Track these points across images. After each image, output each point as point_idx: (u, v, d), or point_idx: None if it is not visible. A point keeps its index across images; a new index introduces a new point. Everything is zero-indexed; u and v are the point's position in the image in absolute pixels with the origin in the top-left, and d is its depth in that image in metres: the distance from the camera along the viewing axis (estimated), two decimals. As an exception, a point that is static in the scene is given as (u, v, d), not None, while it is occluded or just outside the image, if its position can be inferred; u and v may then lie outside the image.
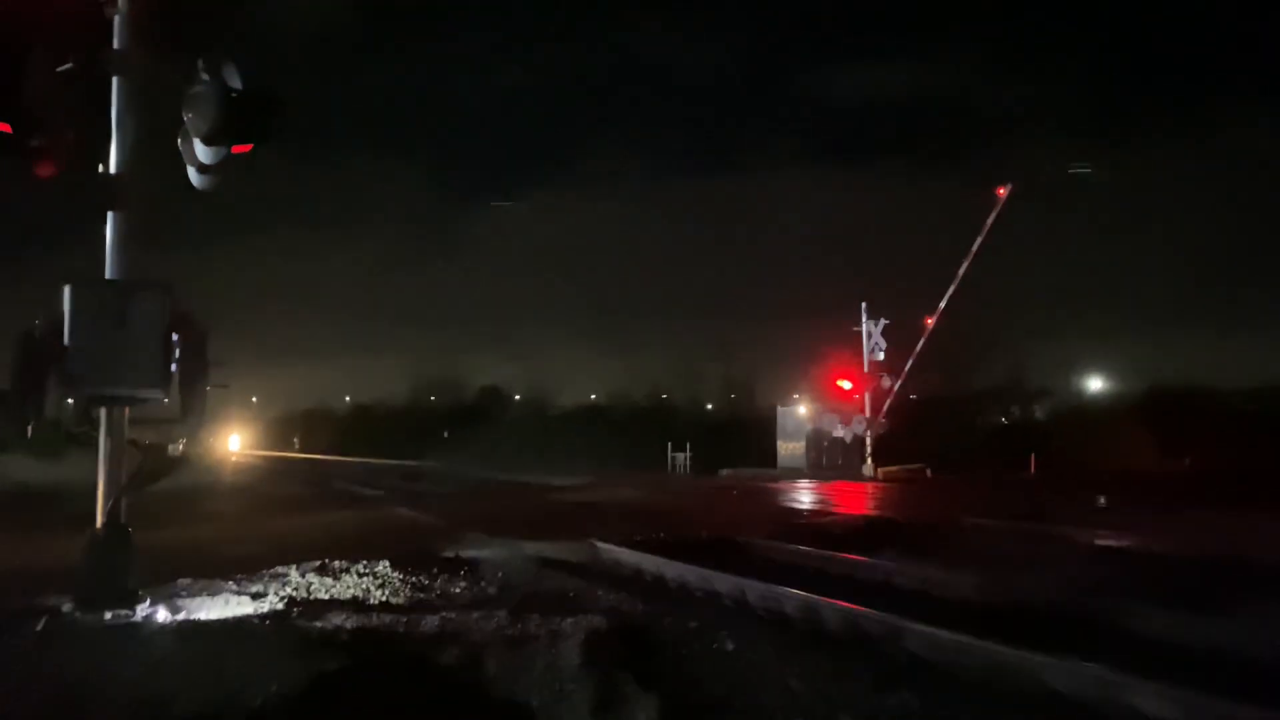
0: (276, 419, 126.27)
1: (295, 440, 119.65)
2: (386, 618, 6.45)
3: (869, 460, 29.73)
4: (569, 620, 6.38)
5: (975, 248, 29.04)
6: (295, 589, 7.59)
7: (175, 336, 5.53)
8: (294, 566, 8.42)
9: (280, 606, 6.72)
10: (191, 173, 6.24)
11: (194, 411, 5.83)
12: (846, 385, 30.71)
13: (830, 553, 9.41)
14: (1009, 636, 5.10)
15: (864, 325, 30.37)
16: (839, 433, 34.89)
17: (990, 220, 28.44)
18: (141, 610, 5.81)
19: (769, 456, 36.83)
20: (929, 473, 28.15)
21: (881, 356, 30.06)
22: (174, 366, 5.56)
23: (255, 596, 7.13)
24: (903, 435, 30.55)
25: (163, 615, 5.90)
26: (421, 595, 7.64)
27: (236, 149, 5.90)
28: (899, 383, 31.03)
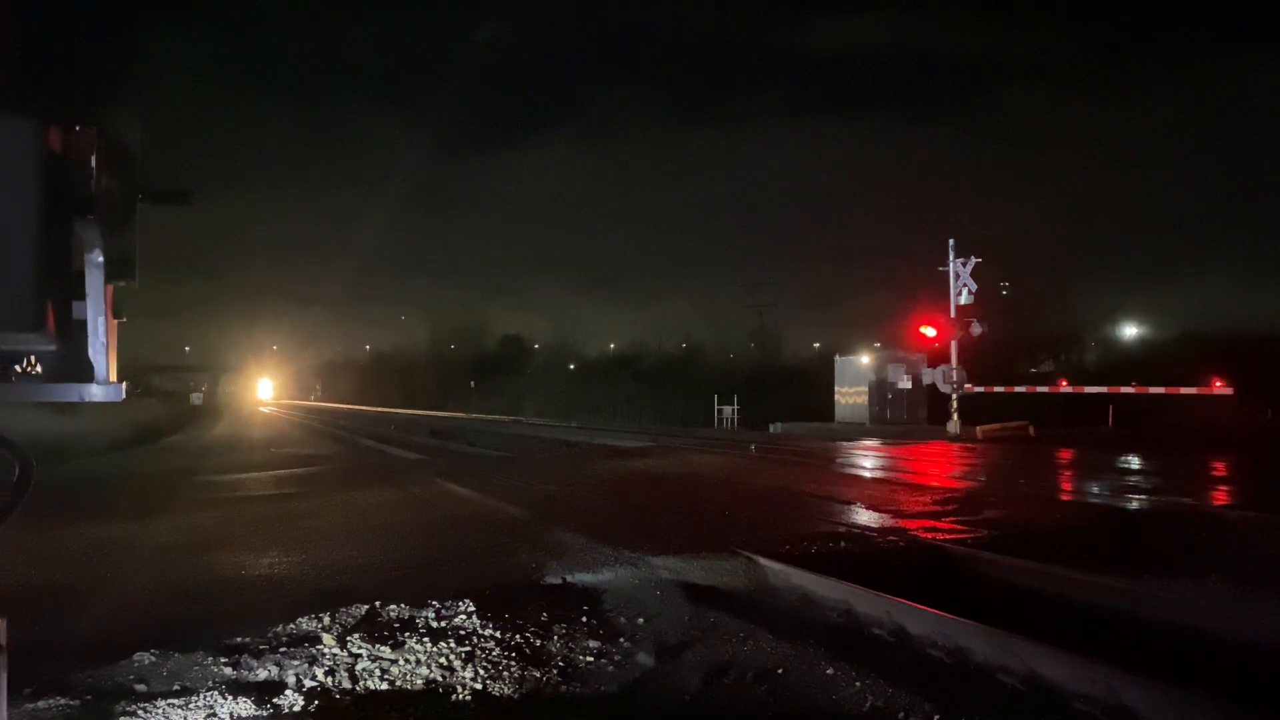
0: (297, 368, 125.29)
1: (316, 388, 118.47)
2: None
3: (955, 416, 26.46)
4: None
5: None
6: (330, 670, 4.60)
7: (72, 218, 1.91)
8: (326, 617, 5.41)
9: (308, 729, 3.74)
10: None
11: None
12: (930, 332, 27.30)
13: (1117, 580, 6.29)
14: None
15: (951, 265, 26.82)
16: (904, 384, 31.94)
17: None
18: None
19: (815, 410, 33.95)
20: (1032, 430, 24.88)
21: (969, 300, 26.59)
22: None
23: (262, 696, 4.15)
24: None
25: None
26: (537, 675, 4.64)
27: None
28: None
